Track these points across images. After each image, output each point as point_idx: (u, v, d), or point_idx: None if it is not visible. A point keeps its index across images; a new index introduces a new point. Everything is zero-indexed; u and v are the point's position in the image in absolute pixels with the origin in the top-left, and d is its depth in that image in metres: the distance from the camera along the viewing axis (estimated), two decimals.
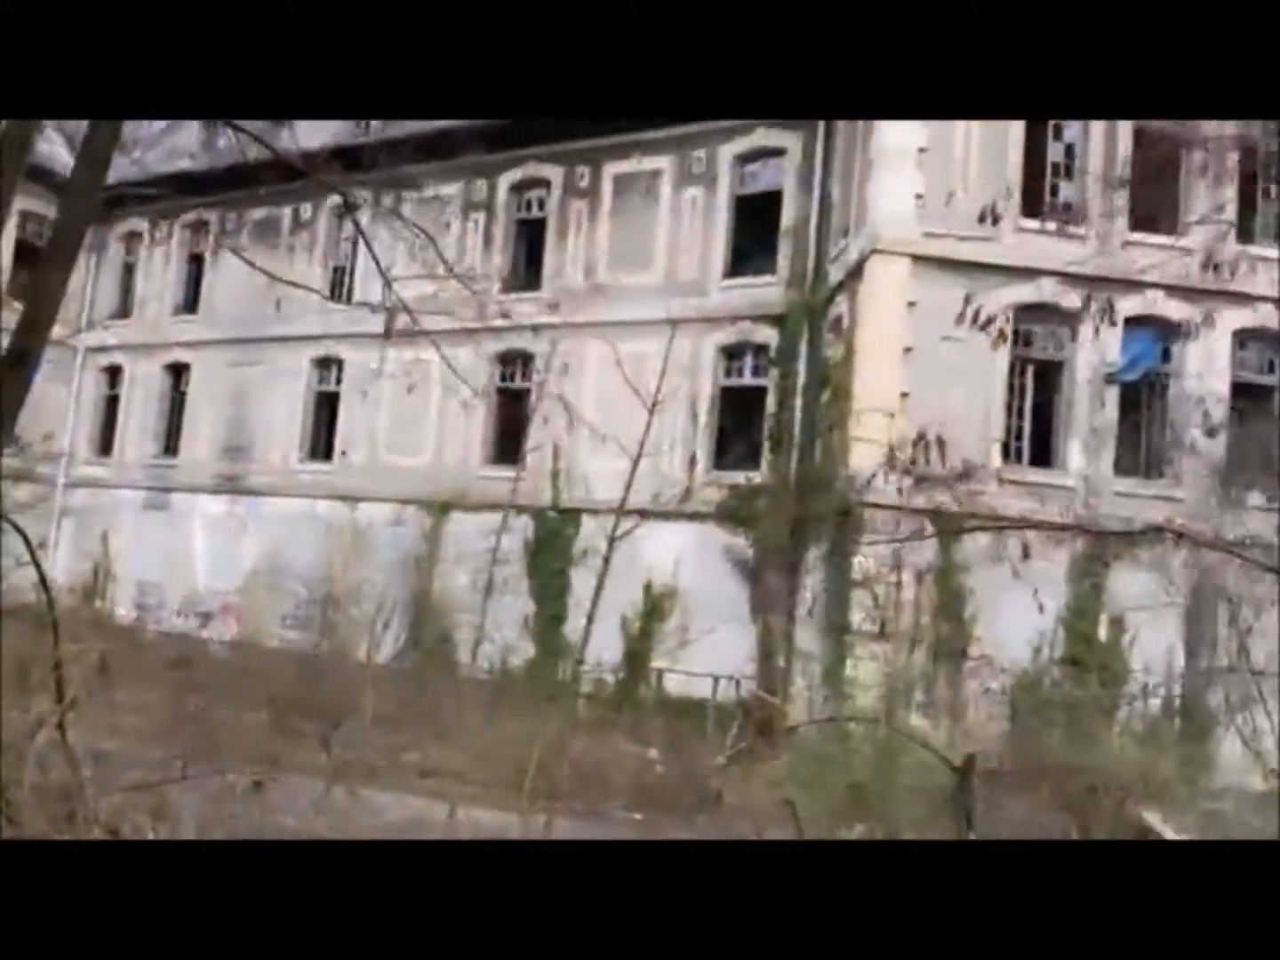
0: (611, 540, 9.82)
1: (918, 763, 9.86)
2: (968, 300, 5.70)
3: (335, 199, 22.25)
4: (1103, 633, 14.32)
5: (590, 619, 10.44)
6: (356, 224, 7.13)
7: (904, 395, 14.43)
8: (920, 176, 14.85)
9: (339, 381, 22.83)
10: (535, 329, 18.66)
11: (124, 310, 26.41)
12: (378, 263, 6.76)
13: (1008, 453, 14.77)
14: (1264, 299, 14.09)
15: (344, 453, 22.16)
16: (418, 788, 9.73)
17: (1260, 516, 13.12)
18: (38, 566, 5.74)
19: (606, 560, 9.76)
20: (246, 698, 10.38)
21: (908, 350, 14.63)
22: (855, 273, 15.60)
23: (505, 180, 21.37)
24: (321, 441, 23.12)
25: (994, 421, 14.61)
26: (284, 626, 21.21)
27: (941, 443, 9.78)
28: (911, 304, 14.67)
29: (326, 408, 23.20)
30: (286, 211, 23.52)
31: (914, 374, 14.56)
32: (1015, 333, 14.87)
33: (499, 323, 17.66)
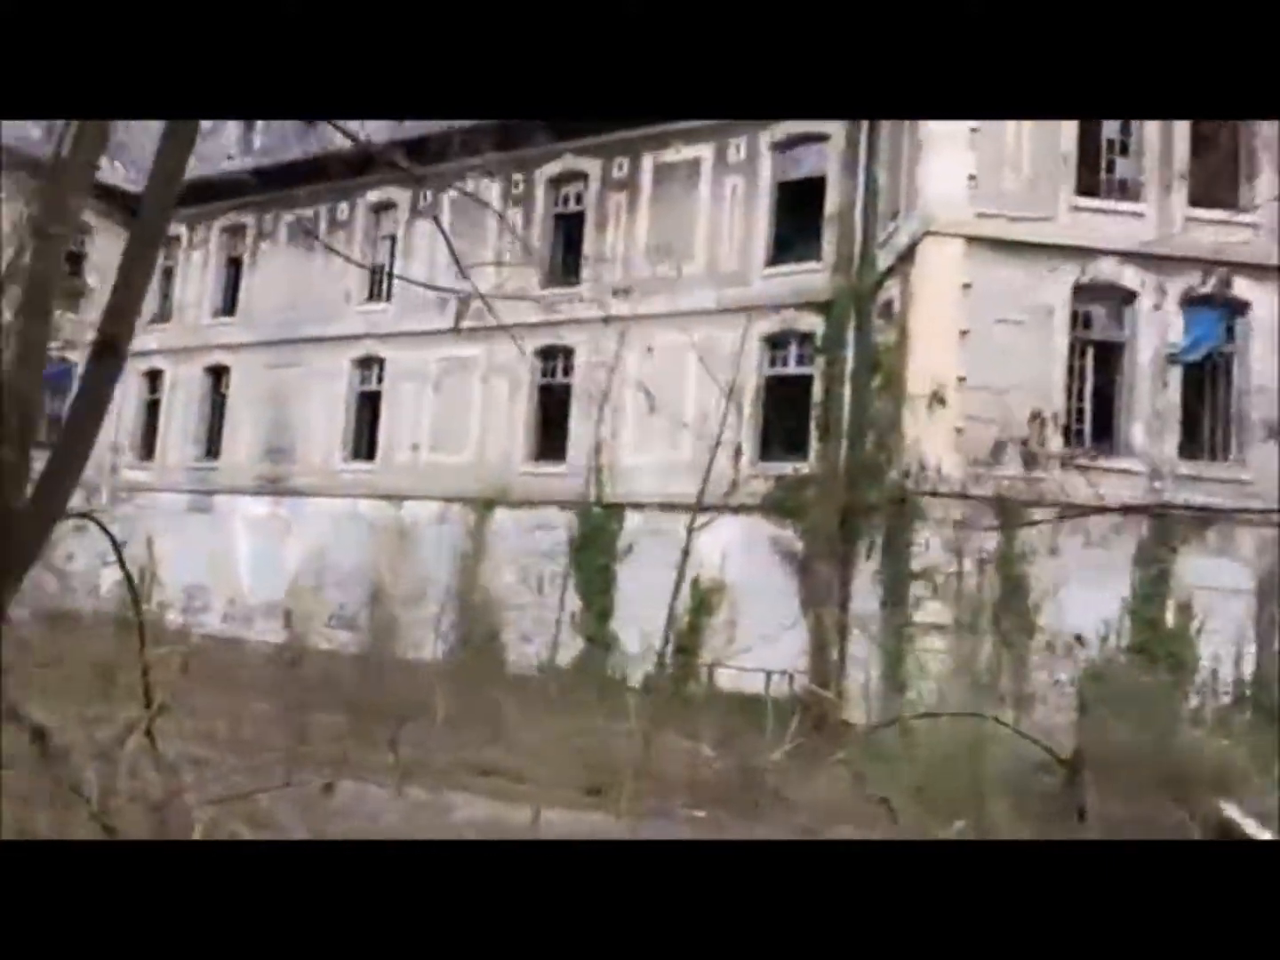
0: (690, 530, 9.65)
1: (1001, 755, 9.64)
2: (1083, 271, 5.46)
3: (371, 198, 22.53)
4: (1170, 619, 13.98)
5: (671, 612, 10.27)
6: (436, 219, 7.02)
7: (961, 379, 14.15)
8: (972, 157, 14.53)
9: (380, 380, 22.78)
10: (605, 320, 18.31)
11: (164, 314, 26.50)
12: (453, 251, 6.64)
13: (1068, 436, 14.41)
14: None
15: (415, 446, 21.96)
16: (489, 789, 9.59)
17: None
18: (124, 568, 5.65)
19: (686, 552, 9.57)
20: (316, 700, 10.29)
21: (964, 333, 14.32)
22: (906, 256, 15.30)
23: (543, 174, 21.20)
24: (364, 441, 23.10)
25: (1054, 404, 14.24)
26: (331, 627, 21.23)
27: (1058, 421, 9.53)
28: (966, 286, 14.37)
29: (368, 407, 23.16)
30: (323, 211, 23.49)
31: (970, 357, 14.27)
32: (1074, 314, 14.55)
33: (544, 316, 17.57)
